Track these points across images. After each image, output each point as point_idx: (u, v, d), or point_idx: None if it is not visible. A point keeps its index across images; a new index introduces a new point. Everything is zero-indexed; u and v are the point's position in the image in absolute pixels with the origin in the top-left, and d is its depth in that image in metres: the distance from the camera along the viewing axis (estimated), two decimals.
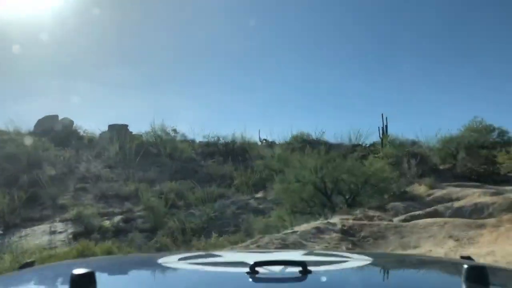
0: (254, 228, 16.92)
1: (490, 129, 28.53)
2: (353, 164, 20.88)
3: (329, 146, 30.28)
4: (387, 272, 2.07)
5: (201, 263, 1.87)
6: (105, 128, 31.32)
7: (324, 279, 1.62)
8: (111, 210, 20.70)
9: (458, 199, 19.91)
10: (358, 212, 17.57)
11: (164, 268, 1.84)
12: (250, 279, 1.51)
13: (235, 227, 19.31)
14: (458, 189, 21.20)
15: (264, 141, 36.68)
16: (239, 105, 44.55)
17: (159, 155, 28.83)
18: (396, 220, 15.56)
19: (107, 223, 18.57)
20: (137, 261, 2.33)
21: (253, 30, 42.36)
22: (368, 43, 44.43)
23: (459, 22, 39.85)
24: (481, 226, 12.60)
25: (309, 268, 1.53)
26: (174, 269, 1.82)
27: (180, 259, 1.93)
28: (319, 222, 13.97)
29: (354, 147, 33.01)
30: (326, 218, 16.61)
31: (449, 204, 17.70)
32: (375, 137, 31.04)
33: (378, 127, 29.42)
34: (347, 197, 21.55)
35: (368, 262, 1.98)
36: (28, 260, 2.09)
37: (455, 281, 1.62)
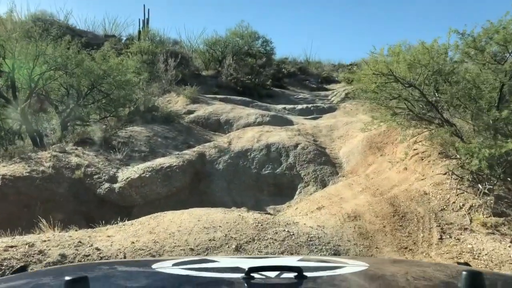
0: None
1: (255, 37, 19.63)
2: (70, 55, 9.22)
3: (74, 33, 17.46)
4: (384, 278, 1.48)
5: (195, 268, 1.42)
6: None
7: (320, 284, 1.21)
8: None
9: (230, 123, 10.50)
10: (50, 151, 6.58)
11: (158, 274, 1.40)
12: (246, 285, 1.15)
13: None
14: (228, 106, 11.71)
15: None
16: None
17: None
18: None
19: None
20: (131, 267, 1.72)
21: None
22: None
23: None
24: None
25: (305, 273, 1.17)
26: (168, 275, 1.37)
27: (174, 265, 1.49)
28: None
29: (108, 37, 20.73)
30: None
31: (224, 143, 8.00)
32: (134, 30, 20.12)
33: (139, 19, 19.35)
34: (62, 108, 10.26)
35: (365, 267, 1.49)
36: (20, 266, 1.63)
37: (453, 286, 1.23)
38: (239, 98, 14.35)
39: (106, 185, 6.46)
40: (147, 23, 20.45)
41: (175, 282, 1.32)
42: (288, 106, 14.66)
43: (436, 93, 4.90)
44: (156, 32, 19.96)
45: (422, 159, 5.44)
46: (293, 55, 22.50)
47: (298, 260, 1.68)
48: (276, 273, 1.23)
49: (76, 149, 7.18)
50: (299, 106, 14.83)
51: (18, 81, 9.39)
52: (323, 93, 18.62)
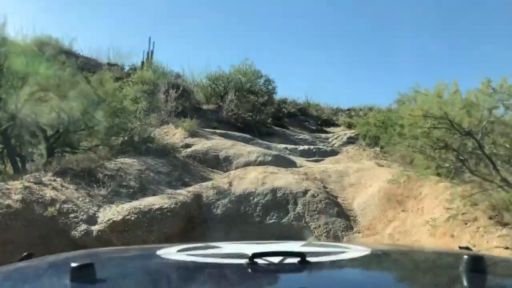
0: None
1: (258, 75, 18.98)
2: (64, 76, 8.24)
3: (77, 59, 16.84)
4: (387, 263, 1.48)
5: (200, 254, 1.39)
6: None
7: (323, 269, 1.21)
8: None
9: (229, 160, 9.46)
10: (23, 181, 5.40)
11: (163, 260, 1.35)
12: (249, 270, 1.13)
13: None
14: (228, 142, 10.69)
15: None
16: None
17: None
18: None
19: None
20: (136, 253, 1.71)
21: None
22: None
23: None
24: None
25: (308, 258, 1.14)
26: (173, 261, 1.34)
27: (178, 251, 1.46)
28: None
29: (111, 66, 19.92)
30: None
31: (224, 184, 6.88)
32: (138, 61, 19.54)
33: (143, 51, 18.41)
34: (50, 133, 9.26)
35: (367, 253, 1.45)
36: (27, 253, 1.54)
37: (454, 270, 1.17)
38: (239, 134, 13.40)
39: (83, 226, 5.28)
40: (152, 55, 19.88)
41: (180, 268, 1.29)
42: (289, 146, 13.73)
43: (493, 146, 3.94)
44: (159, 64, 19.42)
45: (467, 224, 4.39)
46: (292, 96, 21.91)
47: (302, 246, 1.61)
48: (280, 258, 1.17)
49: (55, 180, 6.03)
50: (301, 147, 13.91)
51: (3, 100, 8.35)
52: (323, 135, 17.78)
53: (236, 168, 9.26)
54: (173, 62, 32.96)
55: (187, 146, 10.28)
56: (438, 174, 4.42)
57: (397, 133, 4.62)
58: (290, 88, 40.90)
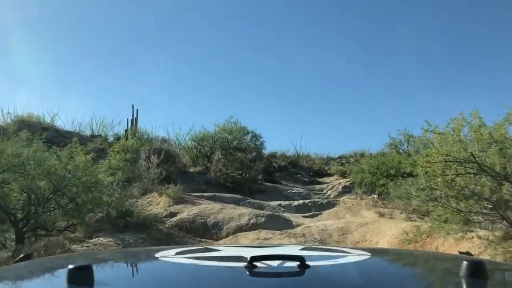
0: None
1: (244, 132, 18.56)
2: (29, 154, 7.47)
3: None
4: (386, 267, 1.44)
5: (198, 257, 1.38)
6: None
7: (322, 273, 1.14)
8: None
9: (218, 226, 8.52)
10: None
11: (161, 262, 1.33)
12: (248, 273, 1.08)
13: None
14: (216, 205, 9.80)
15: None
16: None
17: None
18: None
19: None
20: (135, 255, 1.67)
21: None
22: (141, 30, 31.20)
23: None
24: None
25: (308, 262, 1.09)
26: (172, 263, 1.31)
27: (177, 253, 1.43)
28: None
29: (93, 137, 19.47)
30: None
31: None
32: (122, 129, 19.28)
33: (127, 119, 18.23)
34: (19, 217, 8.31)
35: (367, 257, 1.41)
36: (25, 254, 1.51)
37: (454, 275, 1.14)
38: (229, 195, 12.54)
39: None
40: (136, 122, 19.39)
41: (178, 271, 1.26)
42: (283, 203, 12.85)
43: None
44: (144, 131, 18.92)
45: None
46: (282, 149, 21.31)
47: (301, 249, 1.57)
48: (279, 262, 1.15)
49: None
50: (295, 202, 13.03)
51: None
52: (317, 186, 16.95)
53: (227, 234, 8.33)
54: (158, 126, 32.55)
55: (172, 215, 9.36)
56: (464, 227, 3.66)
57: (409, 184, 3.87)
58: (279, 141, 40.63)
